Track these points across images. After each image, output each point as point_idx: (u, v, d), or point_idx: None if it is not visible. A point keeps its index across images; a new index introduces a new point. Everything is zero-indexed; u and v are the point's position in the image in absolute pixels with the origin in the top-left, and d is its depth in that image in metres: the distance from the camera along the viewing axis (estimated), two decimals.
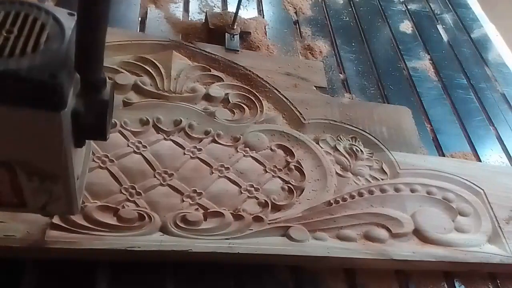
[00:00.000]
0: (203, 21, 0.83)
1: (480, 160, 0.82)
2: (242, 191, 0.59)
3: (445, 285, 0.63)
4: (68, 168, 0.33)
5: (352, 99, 0.82)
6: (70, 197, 0.36)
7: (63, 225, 0.49)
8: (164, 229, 0.52)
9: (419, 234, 0.63)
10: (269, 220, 0.57)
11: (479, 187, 0.71)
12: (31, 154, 0.31)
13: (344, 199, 0.63)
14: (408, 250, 0.61)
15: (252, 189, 0.60)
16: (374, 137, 0.73)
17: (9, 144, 0.30)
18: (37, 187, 0.34)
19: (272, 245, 0.55)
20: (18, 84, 0.26)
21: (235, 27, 0.79)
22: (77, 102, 0.30)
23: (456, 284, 0.63)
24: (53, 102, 0.28)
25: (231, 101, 0.69)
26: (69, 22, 0.31)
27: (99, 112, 0.32)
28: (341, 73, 0.87)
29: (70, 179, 0.34)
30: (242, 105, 0.69)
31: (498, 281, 0.65)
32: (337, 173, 0.66)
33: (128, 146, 0.58)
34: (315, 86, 0.78)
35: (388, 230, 0.62)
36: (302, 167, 0.65)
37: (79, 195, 0.38)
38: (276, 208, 0.59)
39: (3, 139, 0.30)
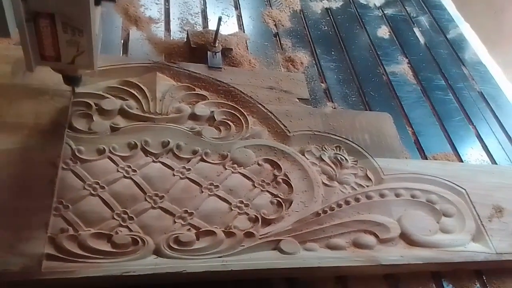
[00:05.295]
0: (185, 39, 0.84)
1: (461, 160, 0.85)
2: (232, 208, 0.61)
3: (433, 285, 0.65)
4: (90, 20, 0.47)
5: (334, 107, 0.84)
6: (91, 51, 0.50)
7: (59, 255, 0.50)
8: (158, 252, 0.54)
9: (405, 238, 0.65)
10: (260, 235, 0.59)
11: (461, 187, 0.74)
12: (68, 7, 0.46)
13: (331, 209, 0.65)
14: (396, 254, 0.63)
15: (242, 205, 0.62)
16: (358, 145, 0.75)
17: None
18: (69, 39, 0.49)
19: (265, 259, 0.57)
20: None
21: (216, 44, 0.81)
22: None
23: (444, 283, 0.66)
24: None
25: (216, 119, 0.71)
26: None
27: None
28: (322, 83, 0.90)
29: (91, 31, 0.48)
30: (228, 122, 0.71)
31: (484, 278, 0.68)
32: (323, 183, 0.68)
33: (118, 171, 0.60)
34: (298, 98, 0.80)
35: (376, 236, 0.64)
36: (290, 180, 0.66)
37: (96, 53, 0.52)
38: (266, 222, 0.61)
39: None
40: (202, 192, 0.61)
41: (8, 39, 0.70)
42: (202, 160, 0.65)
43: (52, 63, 0.52)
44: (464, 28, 1.21)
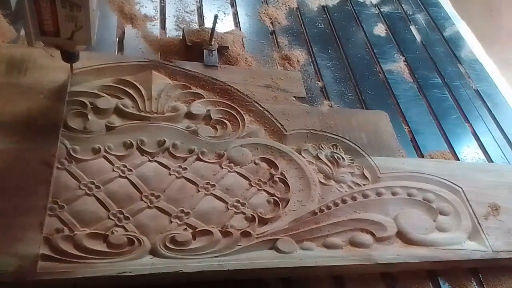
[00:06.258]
0: (181, 37, 0.84)
1: (458, 158, 0.85)
2: (229, 207, 0.61)
3: (430, 284, 0.65)
4: None
5: (331, 106, 0.84)
6: (88, 26, 0.53)
7: (54, 255, 0.49)
8: (154, 252, 0.53)
9: (402, 236, 0.65)
10: (257, 234, 0.59)
11: (457, 186, 0.74)
12: None
13: (328, 208, 0.65)
14: (392, 253, 0.63)
15: (239, 204, 0.61)
16: (354, 143, 0.75)
17: None
18: (68, 14, 0.51)
19: (261, 259, 0.57)
20: None
21: (212, 42, 0.80)
22: None
23: (441, 281, 0.66)
24: None
25: (213, 118, 0.70)
26: None
27: None
28: (319, 81, 0.89)
29: (88, 7, 0.51)
30: (224, 120, 0.71)
31: (480, 276, 0.68)
32: (320, 182, 0.68)
33: (114, 171, 0.59)
34: (294, 97, 0.80)
35: (372, 234, 0.64)
36: (286, 179, 0.66)
37: (93, 29, 0.54)
38: (263, 221, 0.61)
39: None
40: (199, 191, 0.61)
41: (2, 38, 0.69)
42: (198, 159, 0.65)
43: (51, 38, 0.54)
44: (461, 26, 1.22)
